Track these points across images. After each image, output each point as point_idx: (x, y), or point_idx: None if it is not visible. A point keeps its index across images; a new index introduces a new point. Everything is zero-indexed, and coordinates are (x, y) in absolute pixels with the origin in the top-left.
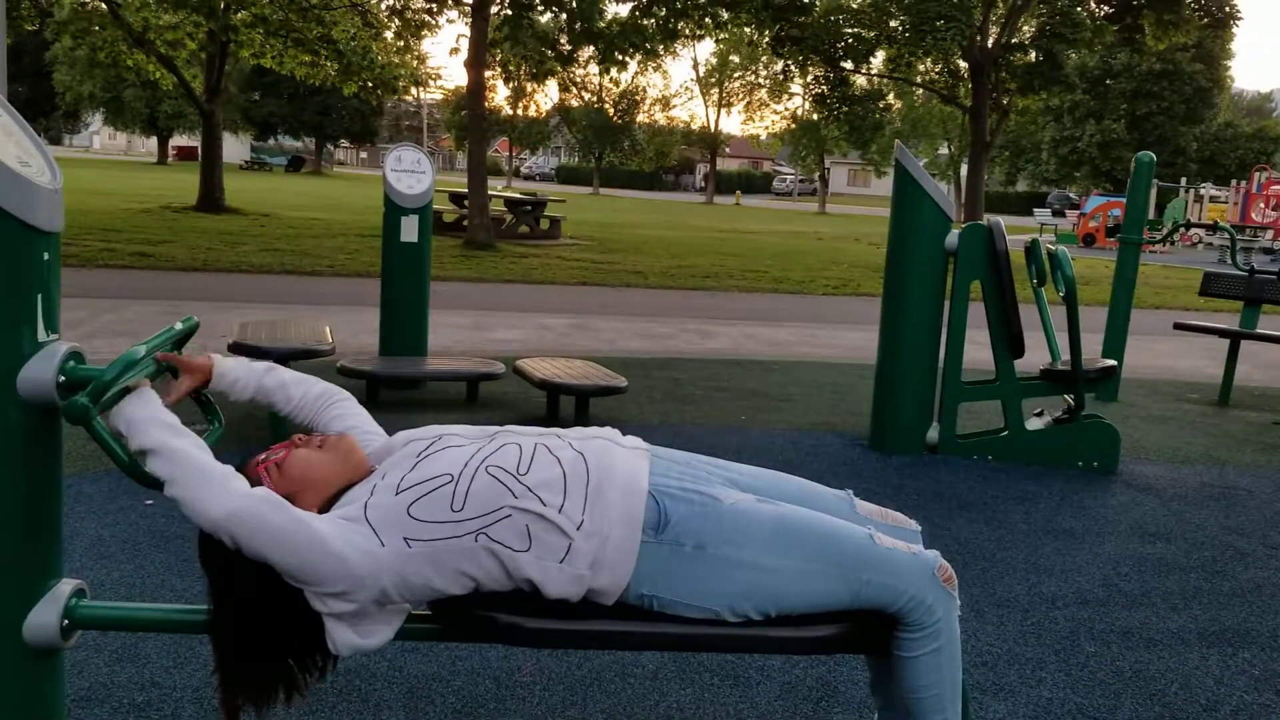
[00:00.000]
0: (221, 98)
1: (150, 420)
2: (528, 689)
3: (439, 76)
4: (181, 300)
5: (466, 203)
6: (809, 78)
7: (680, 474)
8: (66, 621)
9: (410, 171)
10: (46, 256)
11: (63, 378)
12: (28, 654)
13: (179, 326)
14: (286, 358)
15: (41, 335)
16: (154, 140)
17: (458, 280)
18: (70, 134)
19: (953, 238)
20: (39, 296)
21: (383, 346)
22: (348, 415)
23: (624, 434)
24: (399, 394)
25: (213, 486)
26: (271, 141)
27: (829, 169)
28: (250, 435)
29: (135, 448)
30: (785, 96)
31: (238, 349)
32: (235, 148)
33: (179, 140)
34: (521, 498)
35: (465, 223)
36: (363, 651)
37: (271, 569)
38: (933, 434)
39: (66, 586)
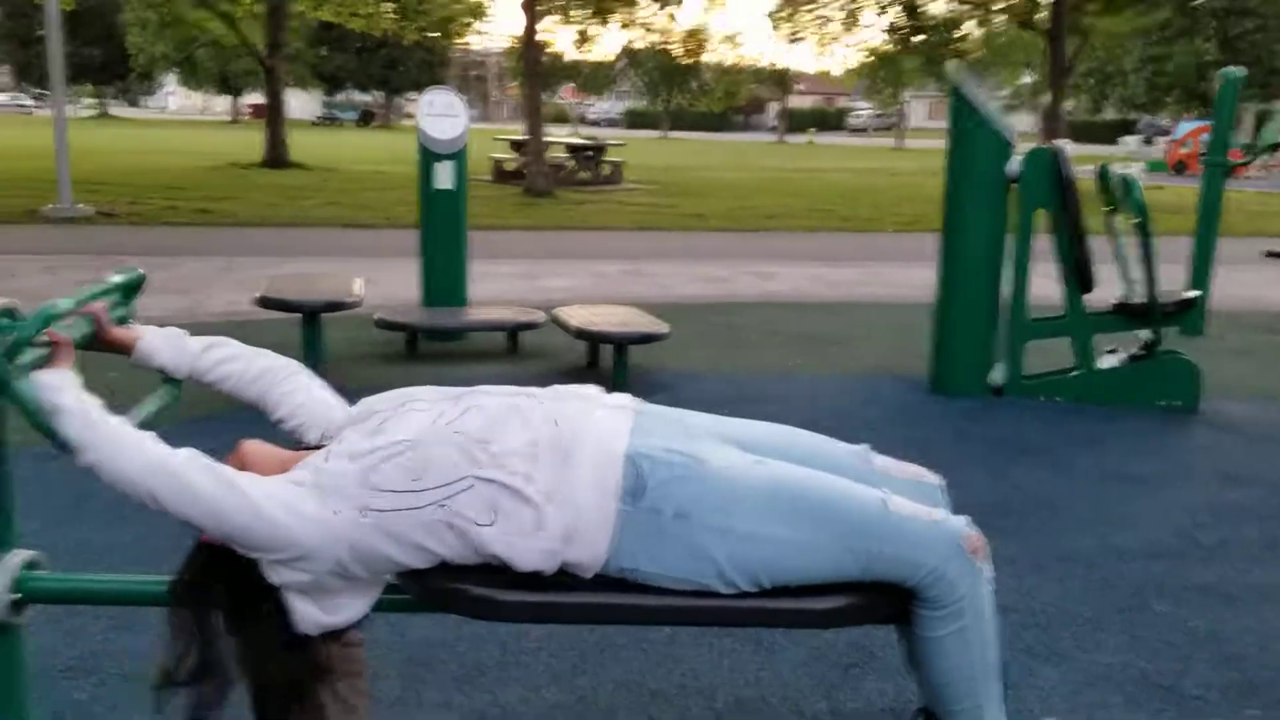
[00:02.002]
0: (282, 52)
1: (65, 383)
2: (534, 655)
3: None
4: (237, 255)
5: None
6: (881, 5)
7: (666, 433)
8: (17, 595)
9: (443, 115)
10: None
11: None
12: None
13: (116, 279)
14: (314, 310)
15: None
16: (228, 99)
17: (514, 229)
18: (146, 95)
19: (1014, 164)
20: None
21: (424, 297)
22: (297, 390)
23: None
24: (440, 346)
25: (129, 446)
26: (341, 96)
27: (907, 103)
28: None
29: (47, 405)
30: (858, 28)
31: (265, 303)
32: (308, 104)
33: (252, 98)
34: (485, 467)
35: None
36: (332, 629)
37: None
38: (996, 375)
39: (17, 558)
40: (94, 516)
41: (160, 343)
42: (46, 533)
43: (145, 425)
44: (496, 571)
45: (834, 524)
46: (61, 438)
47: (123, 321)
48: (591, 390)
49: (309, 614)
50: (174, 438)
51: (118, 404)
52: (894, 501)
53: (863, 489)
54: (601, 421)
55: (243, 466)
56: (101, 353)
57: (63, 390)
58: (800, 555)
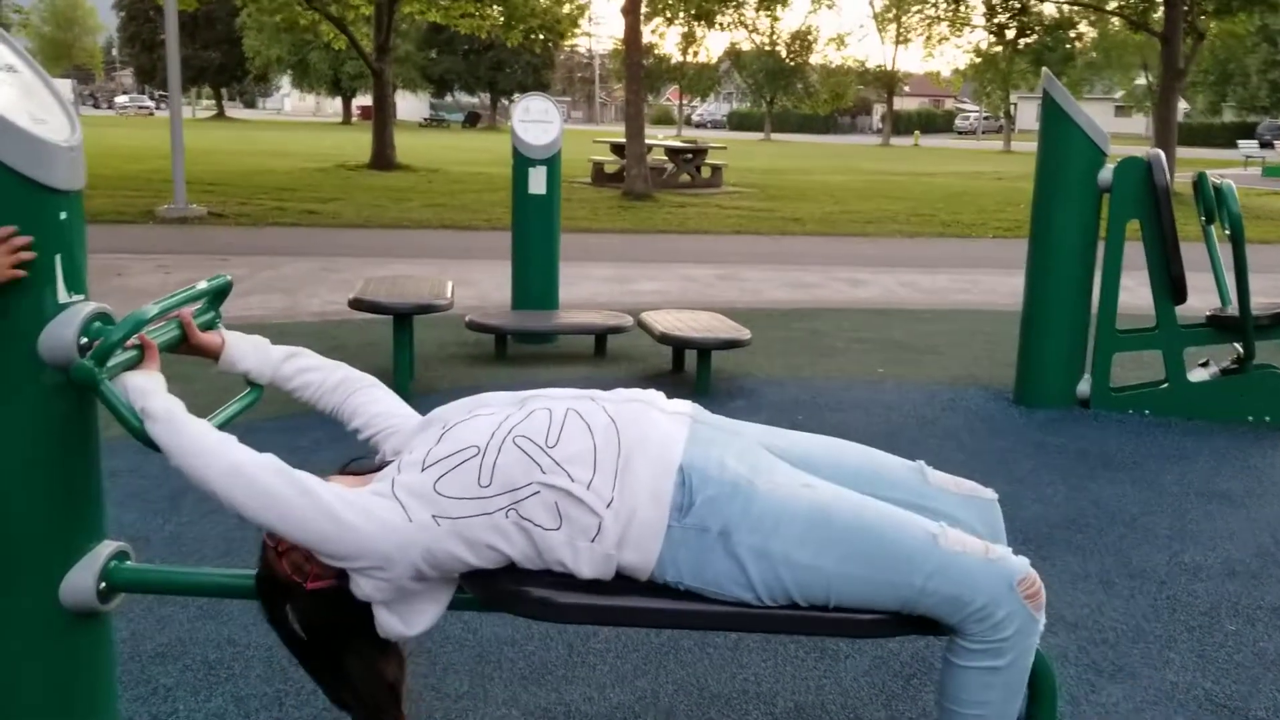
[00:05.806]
0: (390, 55)
1: (154, 387)
2: (600, 655)
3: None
4: (338, 256)
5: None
6: (990, 5)
7: (721, 445)
8: (104, 584)
9: (538, 122)
10: (64, 216)
11: (84, 339)
12: (67, 617)
13: (203, 285)
14: (405, 313)
15: (63, 296)
16: (340, 101)
17: (610, 232)
18: (263, 97)
19: (1106, 173)
20: (58, 257)
21: (515, 300)
22: (373, 402)
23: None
24: (530, 349)
25: (210, 450)
26: (449, 98)
27: (1015, 105)
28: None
29: (135, 408)
30: (967, 29)
31: (358, 305)
32: (415, 105)
33: (363, 100)
34: (550, 473)
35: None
36: (409, 638)
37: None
38: (1084, 386)
39: (106, 549)
40: (190, 509)
41: (245, 349)
42: (144, 523)
43: (227, 425)
44: (557, 575)
45: (876, 558)
46: (148, 438)
47: (210, 326)
48: (650, 395)
49: (390, 623)
50: (266, 433)
51: (203, 402)
52: (947, 535)
53: (914, 522)
54: (659, 429)
55: None
56: (187, 356)
57: (149, 393)
58: (837, 586)
